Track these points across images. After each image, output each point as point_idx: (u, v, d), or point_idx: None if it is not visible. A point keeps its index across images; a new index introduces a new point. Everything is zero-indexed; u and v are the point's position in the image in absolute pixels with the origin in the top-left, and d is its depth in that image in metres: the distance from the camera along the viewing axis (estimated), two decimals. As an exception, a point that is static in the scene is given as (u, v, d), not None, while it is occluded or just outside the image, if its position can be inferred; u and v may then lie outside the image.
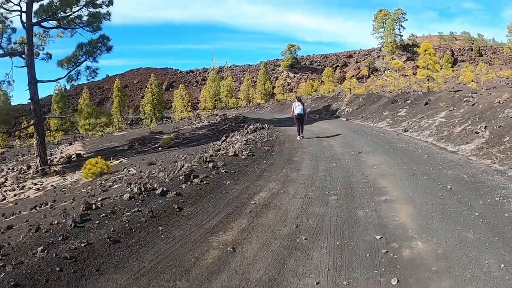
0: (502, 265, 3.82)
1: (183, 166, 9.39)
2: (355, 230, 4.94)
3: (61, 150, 27.90)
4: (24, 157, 26.85)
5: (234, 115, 31.51)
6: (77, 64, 21.24)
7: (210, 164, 8.54)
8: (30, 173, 18.61)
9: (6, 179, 18.15)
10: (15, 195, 14.79)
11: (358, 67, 77.80)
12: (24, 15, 18.96)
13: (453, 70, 60.85)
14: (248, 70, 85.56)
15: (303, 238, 4.79)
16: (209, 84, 66.14)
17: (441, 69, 43.63)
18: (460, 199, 5.86)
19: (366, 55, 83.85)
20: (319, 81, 64.21)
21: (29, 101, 19.81)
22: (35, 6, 19.14)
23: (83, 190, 12.51)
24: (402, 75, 46.96)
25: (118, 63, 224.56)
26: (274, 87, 68.97)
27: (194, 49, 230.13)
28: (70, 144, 30.92)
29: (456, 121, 12.55)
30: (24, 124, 32.62)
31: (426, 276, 3.75)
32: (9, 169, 21.58)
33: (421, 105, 17.33)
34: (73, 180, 15.91)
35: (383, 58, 77.73)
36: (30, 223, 8.30)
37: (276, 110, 41.86)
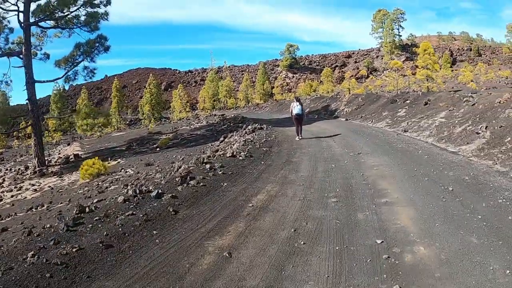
0: (508, 271, 3.68)
1: (180, 167, 9.25)
2: (355, 234, 4.80)
3: (59, 151, 27.74)
4: (22, 158, 26.70)
5: (232, 115, 31.36)
6: (75, 64, 21.11)
7: (207, 166, 8.39)
8: (27, 174, 18.46)
9: (4, 179, 17.99)
10: (12, 196, 14.67)
11: (357, 67, 77.75)
12: (21, 15, 18.84)
13: (452, 70, 60.76)
14: (247, 70, 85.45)
15: (302, 242, 4.64)
16: (207, 84, 65.95)
17: (440, 69, 43.50)
18: (462, 201, 5.73)
19: (365, 55, 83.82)
20: (318, 81, 64.13)
21: (27, 101, 19.65)
22: (33, 6, 19.01)
23: (79, 192, 12.37)
24: (401, 75, 46.89)
25: (117, 63, 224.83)
26: (273, 87, 68.80)
27: (192, 49, 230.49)
28: (68, 144, 30.74)
29: (456, 121, 12.43)
30: (22, 125, 32.42)
31: (429, 283, 3.61)
32: (7, 169, 21.42)
33: (421, 105, 17.21)
34: (70, 181, 15.77)
35: (382, 58, 77.71)
36: (25, 225, 8.15)
37: (275, 110, 41.72)
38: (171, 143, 20.45)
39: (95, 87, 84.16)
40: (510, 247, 4.15)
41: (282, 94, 65.67)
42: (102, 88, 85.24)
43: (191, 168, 8.37)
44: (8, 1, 18.44)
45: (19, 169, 20.14)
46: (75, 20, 20.45)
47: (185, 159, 13.07)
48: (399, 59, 65.86)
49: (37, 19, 19.45)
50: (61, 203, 11.14)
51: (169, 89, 78.87)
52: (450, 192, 6.23)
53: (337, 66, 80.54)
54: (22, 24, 18.85)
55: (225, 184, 7.35)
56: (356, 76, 64.88)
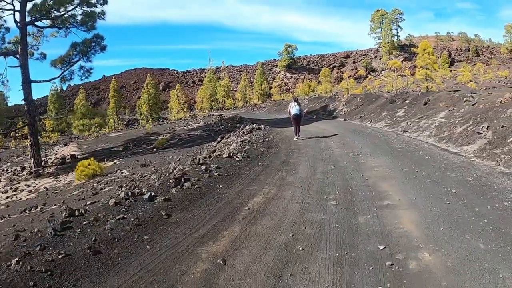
0: (519, 280, 3.47)
1: (175, 169, 9.01)
2: (356, 239, 4.57)
3: (56, 151, 27.52)
4: (19, 158, 26.44)
5: (230, 116, 31.15)
6: (71, 64, 20.89)
7: (203, 167, 8.15)
8: (23, 175, 18.25)
9: (0, 180, 17.75)
10: (7, 197, 14.46)
11: (355, 67, 77.67)
12: (17, 14, 18.63)
13: (451, 71, 60.72)
14: (245, 70, 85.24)
15: (300, 248, 4.41)
16: (205, 84, 65.70)
17: (439, 68, 43.37)
18: (467, 204, 5.51)
19: (363, 55, 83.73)
20: (316, 81, 63.96)
21: (23, 101, 19.44)
22: (29, 5, 18.82)
23: (74, 193, 12.15)
24: (400, 75, 46.75)
25: (115, 64, 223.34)
26: (271, 88, 68.59)
27: (191, 49, 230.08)
28: (65, 145, 30.51)
29: (457, 121, 12.24)
30: (19, 125, 32.14)
31: (436, 293, 3.39)
32: (3, 170, 21.22)
33: (420, 105, 17.02)
34: (66, 182, 15.56)
35: (381, 59, 77.60)
36: (17, 228, 7.94)
37: (273, 110, 41.49)
38: (168, 144, 20.25)
39: (93, 87, 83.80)
40: (519, 253, 3.93)
41: (280, 94, 65.46)
42: (100, 88, 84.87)
43: (186, 169, 8.13)
44: (4, 0, 18.24)
45: (15, 169, 19.93)
46: (71, 20, 20.27)
47: (182, 160, 12.85)
48: (397, 59, 65.62)
49: (33, 18, 19.26)
50: (55, 204, 10.92)
51: (167, 89, 78.54)
52: (454, 194, 6.02)
53: (335, 66, 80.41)
54: (18, 24, 18.63)
55: (220, 186, 7.12)
56: (355, 76, 64.86)
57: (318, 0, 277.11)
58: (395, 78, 35.87)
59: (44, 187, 14.95)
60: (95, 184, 12.57)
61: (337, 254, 4.22)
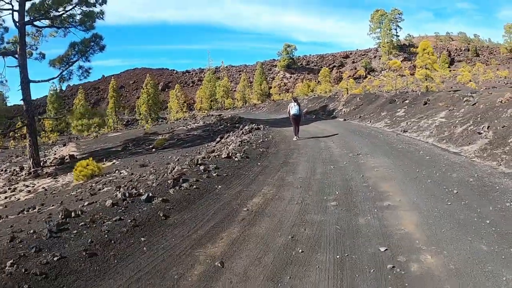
0: (523, 283, 3.39)
1: (173, 169, 8.93)
2: (357, 241, 4.48)
3: (55, 151, 27.43)
4: (18, 159, 26.34)
5: (229, 116, 31.06)
6: (70, 63, 20.83)
7: (201, 167, 8.06)
8: (22, 175, 18.17)
9: (-2, 181, 17.69)
10: (6, 197, 14.39)
11: (354, 67, 77.59)
12: (16, 13, 18.54)
13: (450, 70, 60.68)
14: (244, 70, 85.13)
15: (300, 250, 4.33)
16: (205, 84, 65.62)
17: (439, 68, 43.29)
18: (469, 205, 5.44)
19: (363, 55, 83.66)
20: (315, 81, 63.89)
21: (22, 101, 19.35)
22: (28, 4, 18.72)
23: (72, 193, 12.07)
24: (399, 75, 46.68)
25: (114, 64, 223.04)
26: (270, 88, 68.51)
27: (190, 49, 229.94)
28: (64, 145, 30.40)
29: (457, 121, 12.17)
30: (18, 125, 32.06)
31: (438, 297, 3.31)
32: (1, 170, 21.16)
33: (420, 105, 16.95)
34: (64, 182, 15.49)
35: (380, 59, 77.53)
36: (14, 229, 7.87)
37: (272, 110, 41.39)
38: (167, 144, 20.18)
39: (92, 87, 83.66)
40: (523, 255, 3.86)
41: (279, 94, 65.38)
42: (99, 88, 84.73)
43: (184, 170, 8.04)
44: (2, 0, 18.13)
45: (14, 170, 19.85)
46: (70, 19, 20.18)
47: (180, 160, 12.76)
48: (397, 59, 65.59)
49: (32, 18, 19.17)
50: (52, 205, 10.85)
51: (166, 90, 78.43)
52: (455, 195, 5.94)
53: (334, 66, 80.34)
54: (17, 23, 18.54)
55: (219, 186, 7.03)
56: (354, 76, 64.78)
57: (318, 0, 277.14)
58: (395, 78, 35.81)
59: (43, 188, 14.88)
60: (93, 185, 12.50)
61: (337, 257, 4.14)
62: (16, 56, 18.91)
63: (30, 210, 10.84)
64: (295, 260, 4.12)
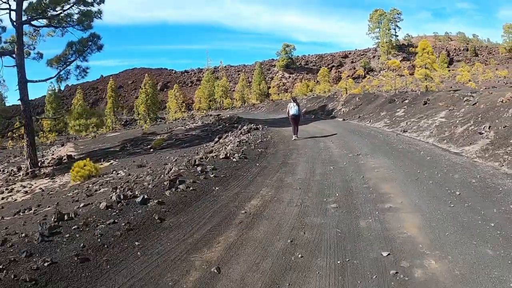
0: (532, 290, 3.25)
1: (170, 170, 8.78)
2: (358, 245, 4.34)
3: (53, 152, 27.28)
4: (16, 159, 26.16)
5: (228, 116, 30.92)
6: (67, 63, 20.75)
7: (199, 168, 7.91)
8: (20, 175, 18.05)
9: (-4, 181, 17.54)
10: (2, 198, 14.32)
11: (353, 67, 77.49)
12: (13, 13, 18.45)
13: (449, 70, 60.62)
14: (243, 70, 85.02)
15: (299, 255, 4.18)
16: (203, 84, 65.52)
17: (438, 68, 43.22)
18: (472, 207, 5.30)
19: (362, 55, 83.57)
20: (314, 81, 63.80)
21: (19, 101, 19.21)
22: (25, 4, 18.61)
23: (69, 194, 11.96)
24: (398, 75, 46.58)
25: (113, 64, 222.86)
26: (269, 87, 68.42)
27: (189, 49, 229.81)
28: (62, 145, 30.23)
29: (458, 121, 12.04)
30: (16, 125, 31.88)
31: (444, 305, 3.17)
32: (-1, 171, 20.97)
33: (420, 105, 16.83)
34: (62, 182, 15.38)
35: (379, 58, 77.39)
36: (8, 231, 7.73)
37: (271, 110, 41.26)
38: (165, 144, 20.06)
39: (90, 87, 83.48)
40: (530, 260, 3.72)
41: (278, 94, 65.26)
42: (97, 88, 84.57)
43: (181, 170, 7.89)
44: (-1, 0, 18.00)
45: (11, 170, 19.73)
46: (68, 19, 20.13)
47: (178, 161, 12.63)
48: (396, 59, 65.52)
49: (29, 17, 19.09)
50: (48, 206, 10.73)
51: (165, 89, 78.30)
52: (458, 196, 5.81)
53: (333, 66, 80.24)
54: (15, 23, 18.45)
55: (216, 188, 6.88)
56: (353, 76, 64.69)
57: (318, 0, 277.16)
58: (394, 78, 35.70)
59: (40, 188, 14.78)
60: (90, 185, 12.38)
61: (338, 262, 3.99)
62: (14, 55, 18.85)
63: (26, 211, 10.72)
64: (294, 265, 3.97)
